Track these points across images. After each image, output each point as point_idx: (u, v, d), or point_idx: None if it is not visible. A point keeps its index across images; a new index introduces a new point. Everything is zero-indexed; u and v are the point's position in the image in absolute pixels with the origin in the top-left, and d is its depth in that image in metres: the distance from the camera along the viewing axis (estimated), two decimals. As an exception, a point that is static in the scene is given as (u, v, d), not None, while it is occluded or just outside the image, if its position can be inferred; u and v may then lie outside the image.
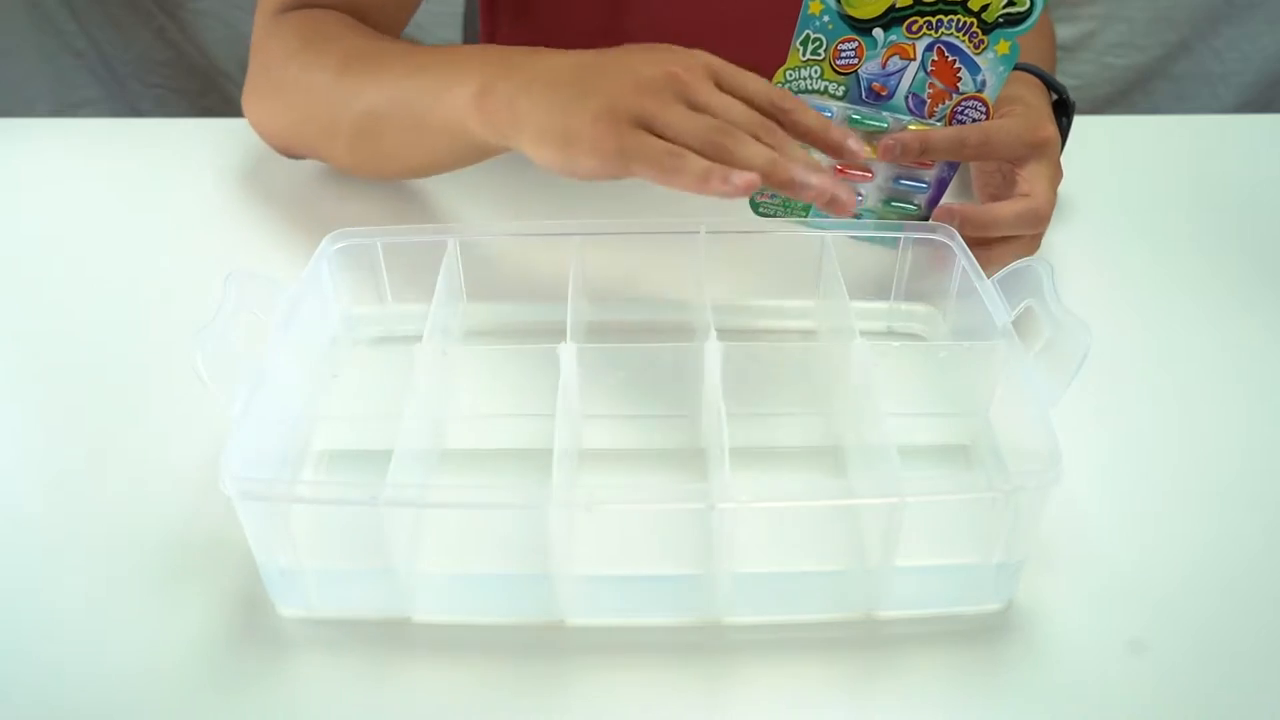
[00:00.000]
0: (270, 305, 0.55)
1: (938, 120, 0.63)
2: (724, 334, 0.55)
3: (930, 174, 0.65)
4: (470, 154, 0.66)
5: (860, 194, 0.65)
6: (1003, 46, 0.61)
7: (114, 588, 0.51)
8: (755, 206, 0.65)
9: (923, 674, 0.48)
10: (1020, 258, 0.61)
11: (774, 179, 0.52)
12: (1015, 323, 0.54)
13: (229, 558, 0.52)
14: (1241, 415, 0.61)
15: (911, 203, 0.66)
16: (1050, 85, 0.72)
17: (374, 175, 0.77)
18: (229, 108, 1.56)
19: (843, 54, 0.61)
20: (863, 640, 0.50)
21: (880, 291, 0.65)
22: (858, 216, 0.65)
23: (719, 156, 0.52)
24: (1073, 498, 0.53)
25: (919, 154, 0.62)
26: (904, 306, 0.66)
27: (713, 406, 0.51)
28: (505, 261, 0.66)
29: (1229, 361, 0.65)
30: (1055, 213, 0.77)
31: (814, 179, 0.53)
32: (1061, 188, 0.80)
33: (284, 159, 0.81)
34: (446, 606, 0.51)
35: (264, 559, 0.49)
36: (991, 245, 0.64)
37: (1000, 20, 0.60)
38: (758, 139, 0.53)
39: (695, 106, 0.54)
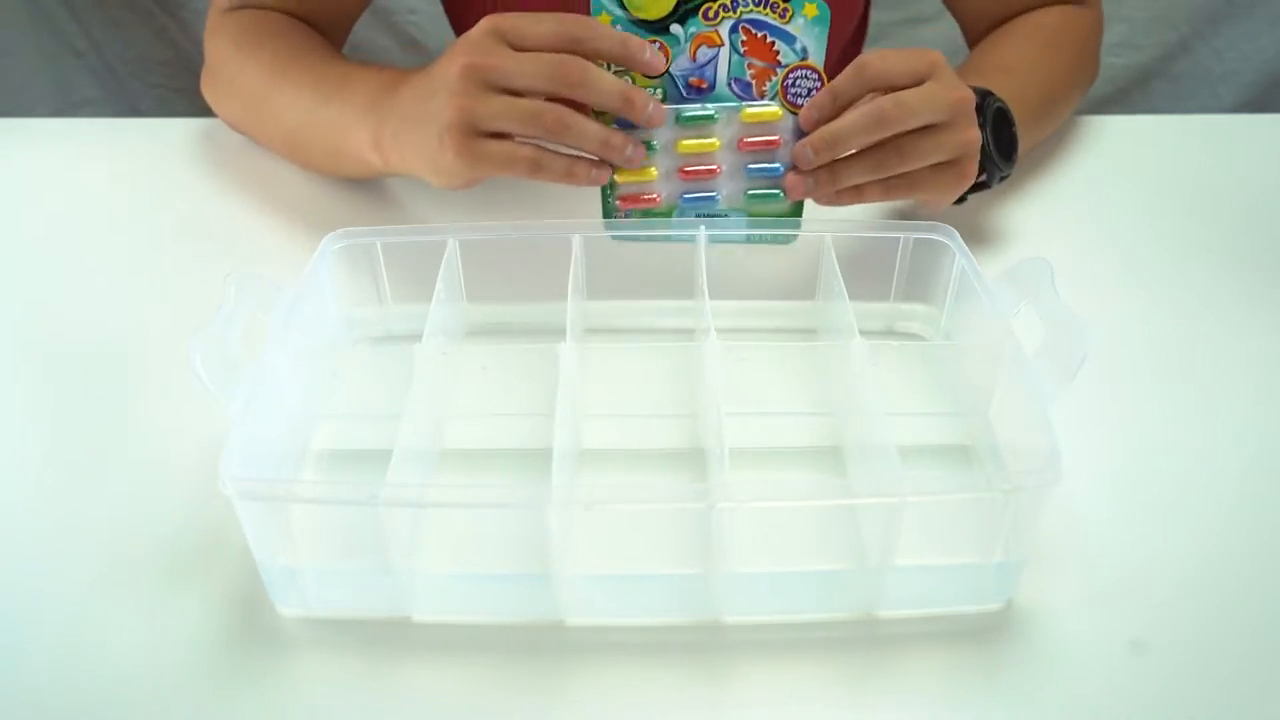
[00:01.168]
0: (270, 305, 0.55)
1: (770, 99, 0.61)
2: (724, 334, 0.55)
3: (782, 154, 0.62)
4: (390, 172, 0.71)
5: (714, 193, 0.63)
6: (810, 9, 0.59)
7: (114, 587, 0.51)
8: (612, 231, 0.63)
9: (923, 674, 0.48)
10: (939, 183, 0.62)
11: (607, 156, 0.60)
12: (1015, 323, 0.54)
13: (229, 558, 0.52)
14: (1242, 415, 0.61)
15: (773, 189, 0.63)
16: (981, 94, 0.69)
17: (318, 174, 0.81)
18: (229, 108, 1.55)
19: None
20: (863, 640, 0.50)
21: (880, 291, 0.65)
22: (724, 215, 0.63)
23: (557, 140, 0.58)
24: (1073, 498, 0.53)
25: (834, 148, 0.60)
26: (904, 306, 0.66)
27: (713, 406, 0.51)
28: (505, 261, 0.66)
29: (1230, 361, 0.65)
30: (1055, 211, 0.77)
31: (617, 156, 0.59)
32: (1062, 186, 0.80)
33: (283, 159, 0.81)
34: (446, 606, 0.51)
35: (264, 559, 0.49)
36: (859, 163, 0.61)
37: None
38: (564, 97, 0.57)
39: (502, 87, 0.58)
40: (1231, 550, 0.53)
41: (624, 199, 0.63)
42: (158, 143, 0.87)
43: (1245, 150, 0.86)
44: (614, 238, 0.63)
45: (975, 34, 0.86)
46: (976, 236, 0.73)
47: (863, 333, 0.55)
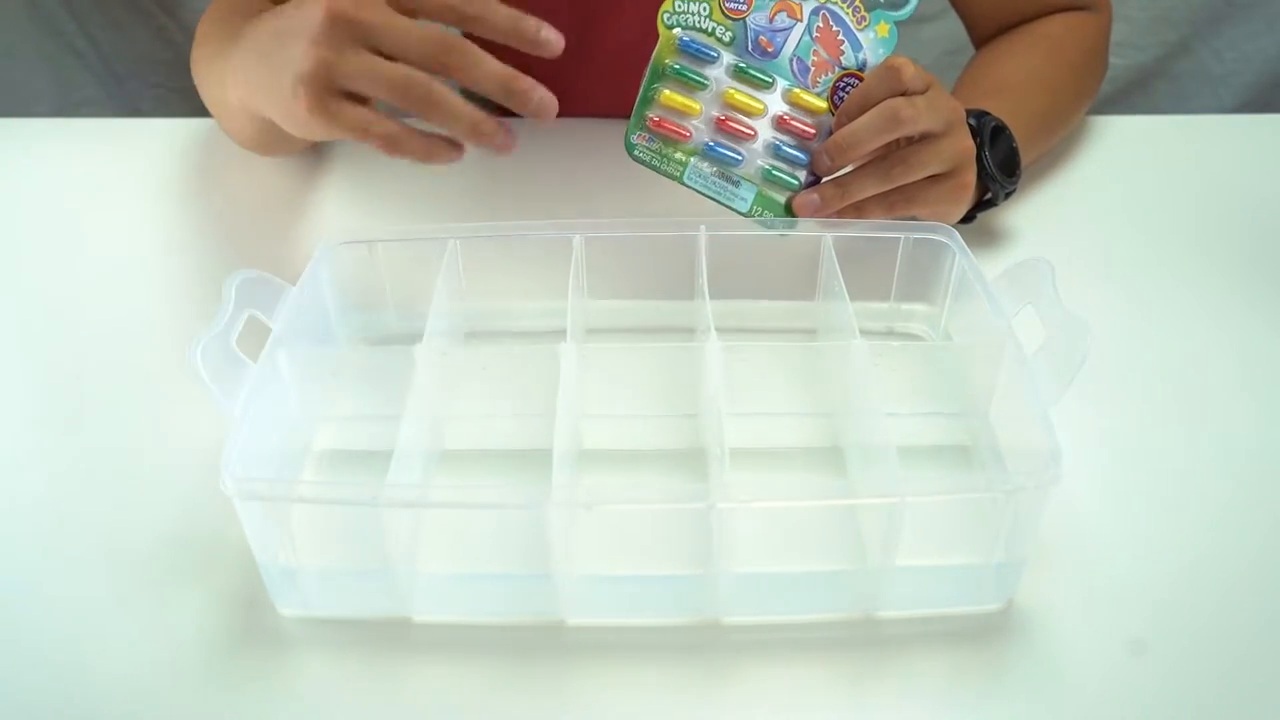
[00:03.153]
0: (270, 305, 0.55)
1: (820, 90, 0.63)
2: (724, 334, 0.55)
3: (814, 146, 0.63)
4: (254, 112, 0.63)
5: (740, 154, 0.63)
6: (883, 29, 0.62)
7: (114, 588, 0.51)
8: (630, 148, 0.64)
9: (923, 674, 0.48)
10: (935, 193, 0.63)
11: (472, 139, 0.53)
12: (1015, 323, 0.54)
13: (229, 558, 0.52)
14: (1241, 414, 0.61)
15: (793, 175, 0.64)
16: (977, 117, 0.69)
17: (264, 155, 0.79)
18: (229, 108, 1.55)
19: None
20: (863, 640, 0.50)
21: (880, 291, 0.65)
22: (734, 183, 0.64)
23: (422, 117, 0.52)
24: (1073, 498, 0.53)
25: (847, 152, 0.61)
26: (904, 306, 0.66)
27: (713, 406, 0.51)
28: (505, 261, 0.66)
29: (1229, 361, 0.65)
30: (1055, 211, 0.77)
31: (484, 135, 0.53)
32: (1062, 187, 0.80)
33: (283, 159, 0.81)
34: (446, 606, 0.51)
35: (264, 559, 0.49)
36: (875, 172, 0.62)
37: (881, 1, 0.61)
38: (443, 66, 0.52)
39: (370, 46, 0.52)
40: (1231, 550, 0.53)
41: (657, 120, 0.63)
42: (158, 143, 0.87)
43: (1245, 150, 0.86)
44: (633, 156, 0.63)
45: (980, 34, 0.86)
46: (976, 236, 0.73)
47: (863, 333, 0.55)
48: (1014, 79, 0.78)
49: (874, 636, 0.50)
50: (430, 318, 0.56)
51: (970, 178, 0.64)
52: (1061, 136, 0.82)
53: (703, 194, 0.64)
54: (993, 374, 0.56)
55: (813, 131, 0.63)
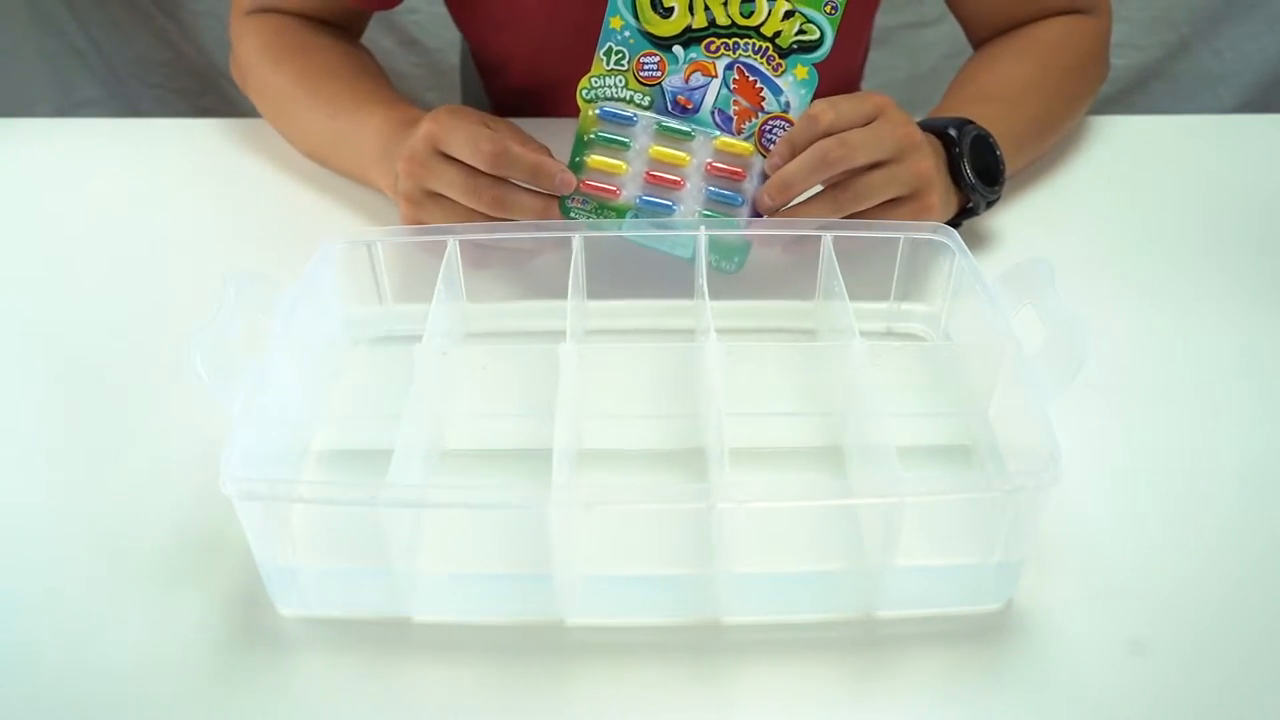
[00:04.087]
0: (270, 305, 0.55)
1: (746, 137, 0.64)
2: (724, 334, 0.55)
3: (746, 186, 0.65)
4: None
5: (672, 205, 0.65)
6: (801, 71, 0.63)
7: (114, 587, 0.51)
8: (566, 210, 0.65)
9: (922, 674, 0.48)
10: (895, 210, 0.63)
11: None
12: (1015, 323, 0.54)
13: (229, 558, 0.52)
14: (1242, 414, 0.61)
15: (731, 216, 0.65)
16: (952, 128, 0.69)
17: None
18: (229, 108, 1.55)
19: (645, 67, 0.63)
20: (862, 640, 0.50)
21: (880, 291, 0.65)
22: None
23: (494, 213, 0.63)
24: (1073, 498, 0.53)
25: (786, 191, 0.62)
26: (904, 306, 0.66)
27: (713, 406, 0.51)
28: (505, 262, 0.66)
29: (1229, 361, 0.65)
30: (1055, 211, 0.77)
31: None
32: (1062, 187, 0.80)
33: (283, 159, 0.81)
34: (446, 606, 0.51)
35: (264, 559, 0.49)
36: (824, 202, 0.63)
37: (794, 47, 0.62)
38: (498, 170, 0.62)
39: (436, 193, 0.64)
40: (1231, 550, 0.53)
41: (587, 183, 0.65)
42: (158, 143, 0.88)
43: (1245, 150, 0.86)
44: (568, 219, 0.65)
45: (977, 38, 0.86)
46: (976, 237, 0.73)
47: (863, 333, 0.55)
48: (1006, 85, 0.78)
49: (874, 636, 0.50)
50: (430, 318, 0.56)
51: (932, 199, 0.64)
52: (1056, 141, 0.82)
53: (644, 245, 0.64)
54: (993, 374, 0.56)
55: (742, 172, 0.64)
